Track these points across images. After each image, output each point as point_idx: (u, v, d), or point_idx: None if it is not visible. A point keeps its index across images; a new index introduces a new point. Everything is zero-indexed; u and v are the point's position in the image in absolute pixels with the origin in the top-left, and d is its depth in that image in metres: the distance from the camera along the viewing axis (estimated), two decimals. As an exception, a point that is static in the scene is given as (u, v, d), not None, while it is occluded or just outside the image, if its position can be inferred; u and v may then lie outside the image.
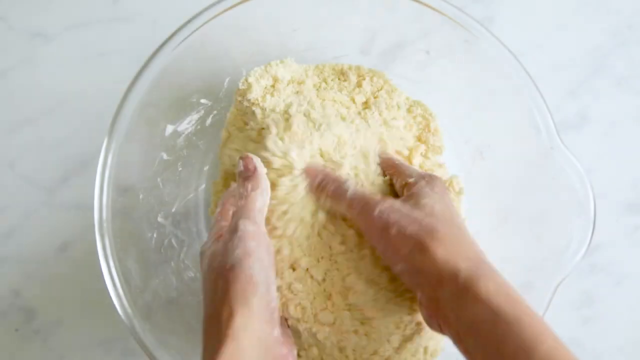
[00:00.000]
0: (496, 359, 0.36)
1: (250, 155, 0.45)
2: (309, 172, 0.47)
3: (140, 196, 0.50)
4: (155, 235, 0.51)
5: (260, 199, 0.43)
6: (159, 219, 0.52)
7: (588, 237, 0.46)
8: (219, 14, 0.46)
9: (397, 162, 0.50)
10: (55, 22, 0.57)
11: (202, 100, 0.52)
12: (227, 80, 0.51)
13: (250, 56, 0.51)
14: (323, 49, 0.53)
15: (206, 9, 0.46)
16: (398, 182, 0.48)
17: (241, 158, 0.45)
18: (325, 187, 0.46)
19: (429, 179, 0.46)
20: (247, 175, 0.44)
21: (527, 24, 0.58)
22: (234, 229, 0.41)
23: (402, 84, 0.53)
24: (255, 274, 0.38)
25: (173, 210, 0.52)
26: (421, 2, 0.48)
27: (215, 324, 0.37)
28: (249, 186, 0.43)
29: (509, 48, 0.47)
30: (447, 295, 0.39)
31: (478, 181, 0.53)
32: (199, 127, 0.52)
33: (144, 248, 0.50)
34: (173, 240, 0.52)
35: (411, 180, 0.46)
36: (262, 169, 0.45)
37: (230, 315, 0.36)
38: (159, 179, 0.51)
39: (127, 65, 0.53)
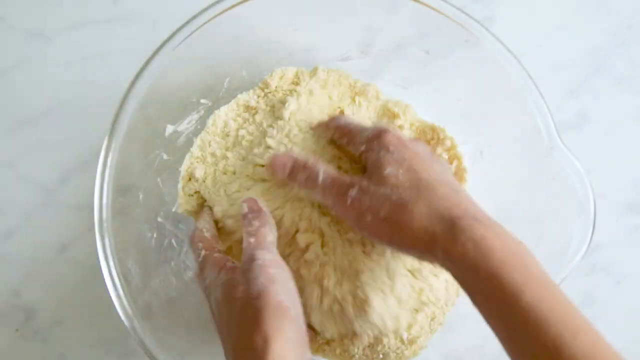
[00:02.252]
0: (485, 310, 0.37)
1: (254, 197, 0.46)
2: (276, 161, 0.47)
3: (140, 196, 0.50)
4: (155, 235, 0.51)
5: (270, 233, 0.44)
6: (159, 219, 0.52)
7: (588, 237, 0.46)
8: (219, 14, 0.46)
9: (345, 127, 0.48)
10: (55, 22, 0.57)
11: (202, 100, 0.52)
12: (227, 80, 0.51)
13: (251, 56, 0.51)
14: (323, 49, 0.53)
15: (206, 9, 0.46)
16: (355, 152, 0.47)
17: (244, 201, 0.46)
18: (296, 177, 0.46)
19: (378, 137, 0.44)
20: (253, 215, 0.44)
21: (527, 24, 0.58)
22: (250, 259, 0.41)
23: (402, 84, 0.54)
24: (284, 299, 0.38)
25: (173, 210, 0.52)
26: (421, 2, 0.47)
27: (249, 354, 0.36)
28: (256, 223, 0.44)
29: (509, 48, 0.47)
30: (439, 261, 0.39)
31: (478, 181, 0.53)
32: (198, 127, 0.52)
33: (144, 248, 0.50)
34: (173, 240, 0.52)
35: (362, 148, 0.45)
36: (266, 208, 0.45)
37: (266, 343, 0.36)
38: (158, 179, 0.51)
39: (127, 65, 0.53)
